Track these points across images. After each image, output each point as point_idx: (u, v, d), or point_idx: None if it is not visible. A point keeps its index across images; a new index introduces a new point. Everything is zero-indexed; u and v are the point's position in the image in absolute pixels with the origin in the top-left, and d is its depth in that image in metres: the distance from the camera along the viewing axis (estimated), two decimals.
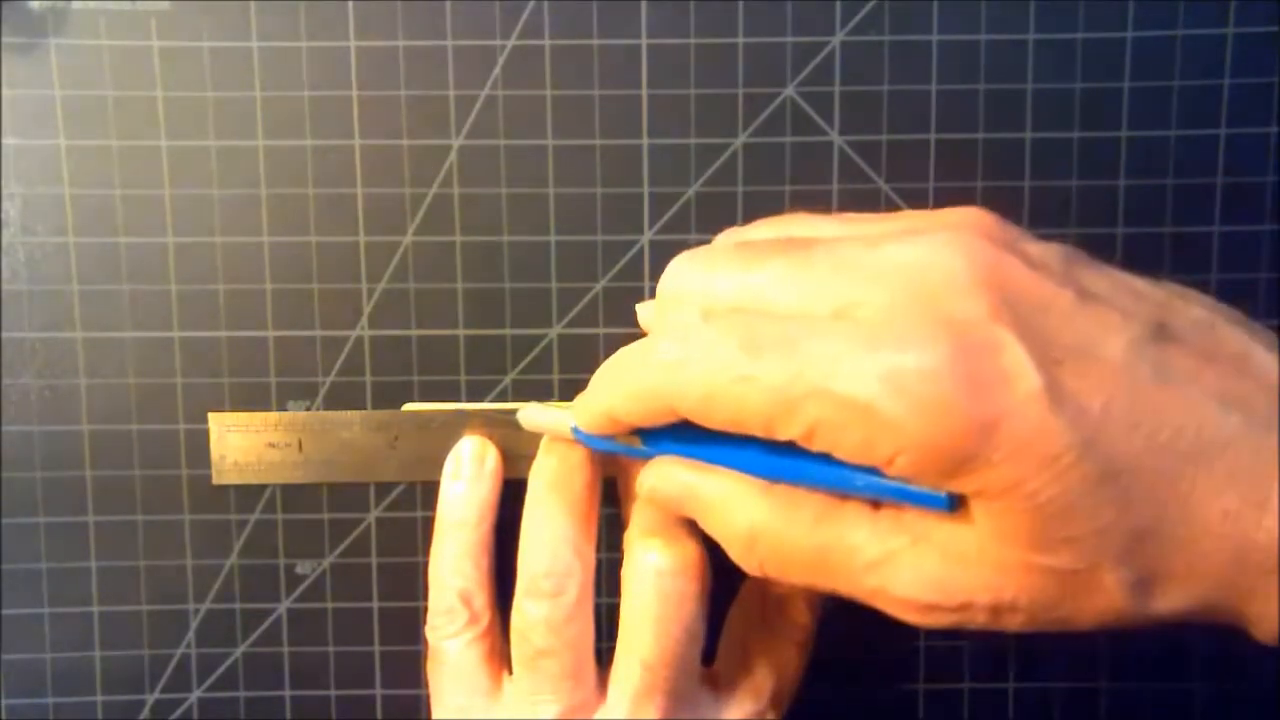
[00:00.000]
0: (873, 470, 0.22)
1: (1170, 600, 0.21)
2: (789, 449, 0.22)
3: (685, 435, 0.24)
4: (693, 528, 0.27)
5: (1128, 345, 0.21)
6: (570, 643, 0.26)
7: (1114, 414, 0.20)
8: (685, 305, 0.24)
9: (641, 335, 0.29)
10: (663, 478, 0.25)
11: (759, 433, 0.22)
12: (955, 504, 0.22)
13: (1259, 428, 0.21)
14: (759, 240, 0.25)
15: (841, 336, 0.21)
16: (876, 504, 0.23)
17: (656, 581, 0.26)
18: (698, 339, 0.23)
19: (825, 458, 0.22)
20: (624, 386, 0.24)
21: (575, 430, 0.26)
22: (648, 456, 0.25)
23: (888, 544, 0.22)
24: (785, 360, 0.21)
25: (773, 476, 0.24)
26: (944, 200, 0.29)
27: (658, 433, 0.25)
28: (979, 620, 0.22)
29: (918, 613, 0.22)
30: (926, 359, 0.20)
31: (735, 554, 0.24)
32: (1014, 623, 0.22)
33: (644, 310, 0.28)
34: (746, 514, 0.24)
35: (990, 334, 0.21)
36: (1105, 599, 0.21)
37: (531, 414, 0.28)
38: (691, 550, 0.26)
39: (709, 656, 0.28)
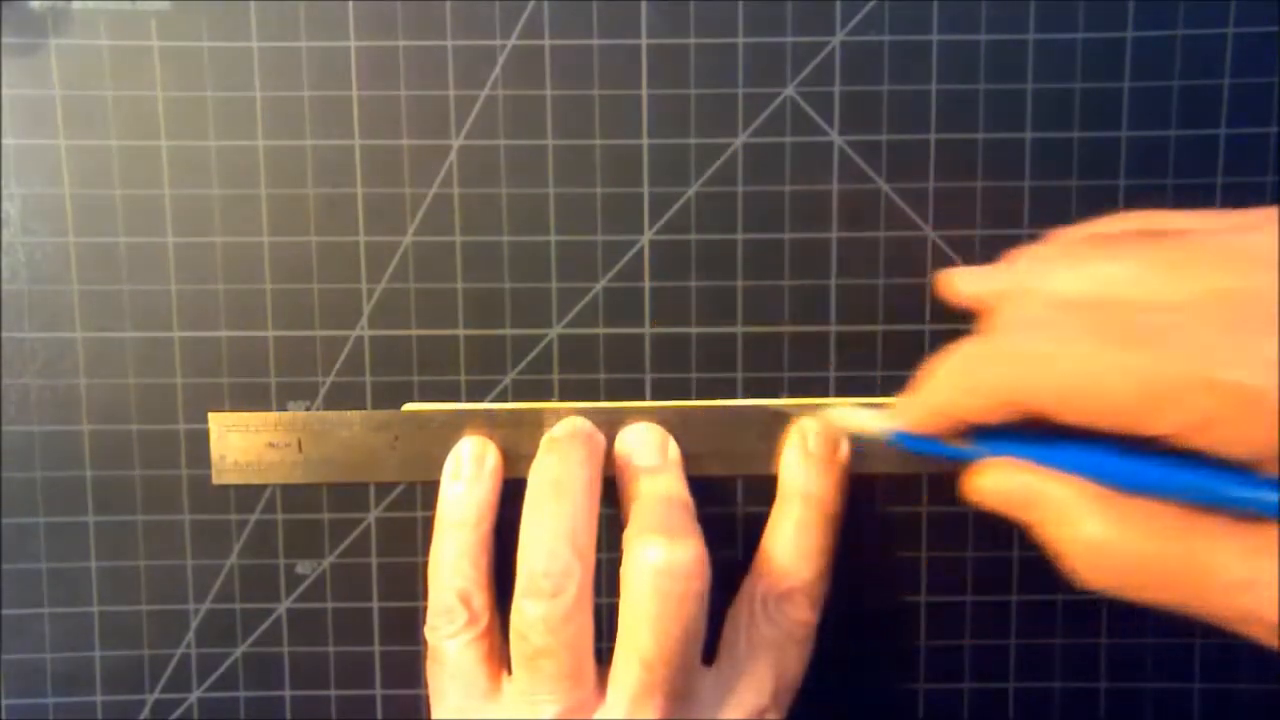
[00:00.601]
0: (1250, 478, 0.20)
1: None
2: (1141, 453, 0.21)
3: (1023, 436, 0.23)
4: (693, 526, 0.26)
5: None
6: (569, 642, 0.26)
7: None
8: (1036, 299, 0.23)
9: (656, 332, 0.29)
10: (1002, 479, 0.24)
11: (1125, 427, 0.21)
12: None
13: None
14: (1115, 231, 0.24)
15: (1225, 323, 0.20)
16: (1245, 517, 0.21)
17: (656, 581, 0.26)
18: (1063, 329, 0.22)
19: (1190, 462, 0.21)
20: (972, 381, 0.23)
21: (898, 434, 0.25)
22: (976, 459, 0.24)
23: (1259, 562, 0.20)
24: (1163, 349, 0.20)
25: (1128, 484, 0.22)
26: (944, 200, 0.29)
27: (991, 434, 0.23)
28: None
29: None
30: None
31: (1079, 565, 0.22)
32: None
33: (970, 278, 0.26)
34: (1096, 525, 0.22)
35: None
36: None
37: (848, 414, 0.27)
38: (691, 549, 0.26)
39: (709, 656, 0.28)
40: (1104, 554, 0.22)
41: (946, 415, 0.24)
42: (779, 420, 0.29)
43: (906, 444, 0.25)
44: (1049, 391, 0.22)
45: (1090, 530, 0.22)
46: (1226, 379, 0.19)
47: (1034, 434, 0.22)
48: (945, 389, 0.24)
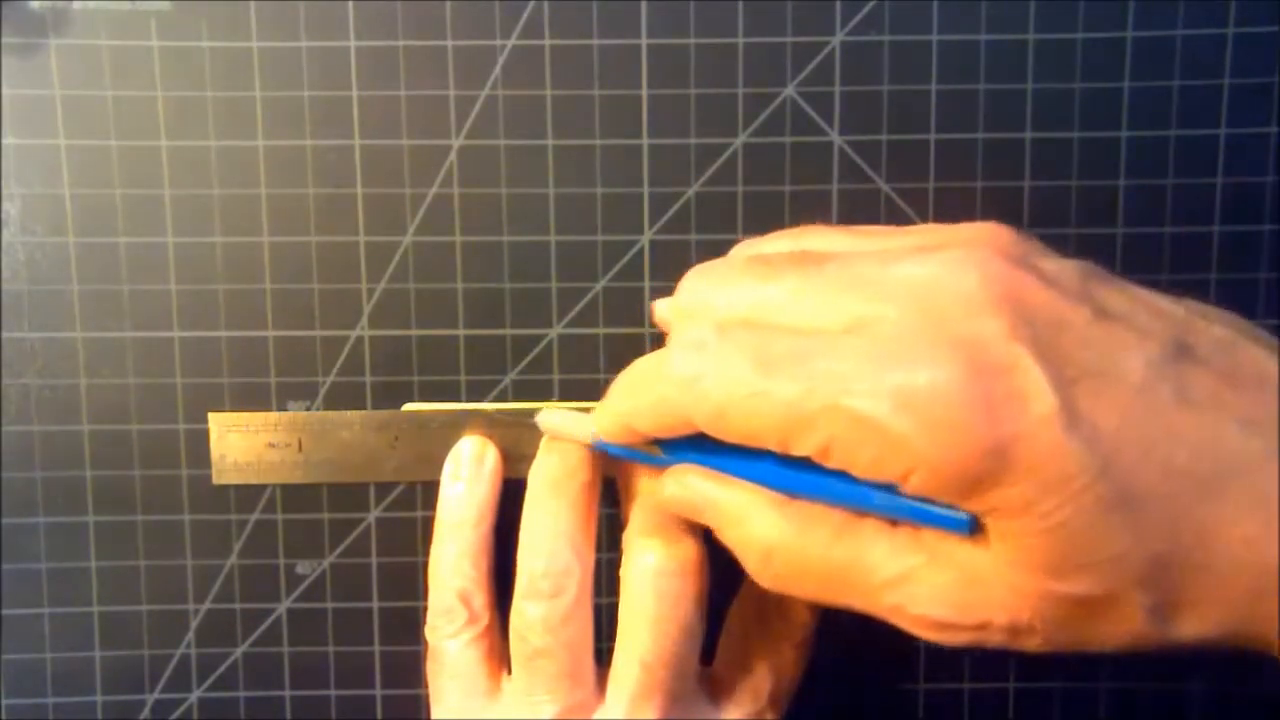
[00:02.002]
0: (891, 488, 0.22)
1: (1191, 626, 0.21)
2: (807, 463, 0.22)
3: (705, 445, 0.24)
4: (692, 528, 0.27)
5: (1146, 365, 0.21)
6: (568, 643, 0.26)
7: (1130, 436, 0.20)
8: (700, 318, 0.24)
9: (655, 333, 0.29)
10: (681, 486, 0.25)
11: (773, 447, 0.22)
12: (975, 526, 0.21)
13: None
14: (773, 254, 0.25)
15: (855, 353, 0.21)
16: (894, 522, 0.23)
17: (654, 582, 0.26)
18: (712, 353, 0.22)
19: (843, 474, 0.22)
20: (640, 398, 0.24)
21: (595, 439, 0.26)
22: (666, 465, 0.25)
23: (905, 562, 0.22)
24: (798, 376, 0.21)
25: (791, 490, 0.23)
26: (944, 200, 0.29)
27: (677, 442, 0.24)
28: (995, 640, 0.22)
29: (934, 630, 0.22)
30: (939, 378, 0.20)
31: (751, 567, 0.24)
32: (1031, 644, 0.22)
33: (662, 307, 0.27)
34: (763, 527, 0.23)
35: (1005, 353, 0.20)
36: (1125, 624, 0.21)
37: (550, 417, 0.28)
38: (689, 550, 0.26)
39: (708, 656, 0.28)
40: (774, 555, 0.23)
41: (628, 427, 0.25)
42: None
43: (607, 450, 0.26)
44: (702, 413, 0.23)
45: (761, 533, 0.23)
46: (851, 408, 0.21)
47: (714, 442, 0.23)
48: (621, 404, 0.25)
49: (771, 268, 0.24)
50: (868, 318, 0.22)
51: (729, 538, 0.24)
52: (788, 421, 0.21)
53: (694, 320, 0.24)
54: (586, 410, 0.27)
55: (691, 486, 0.25)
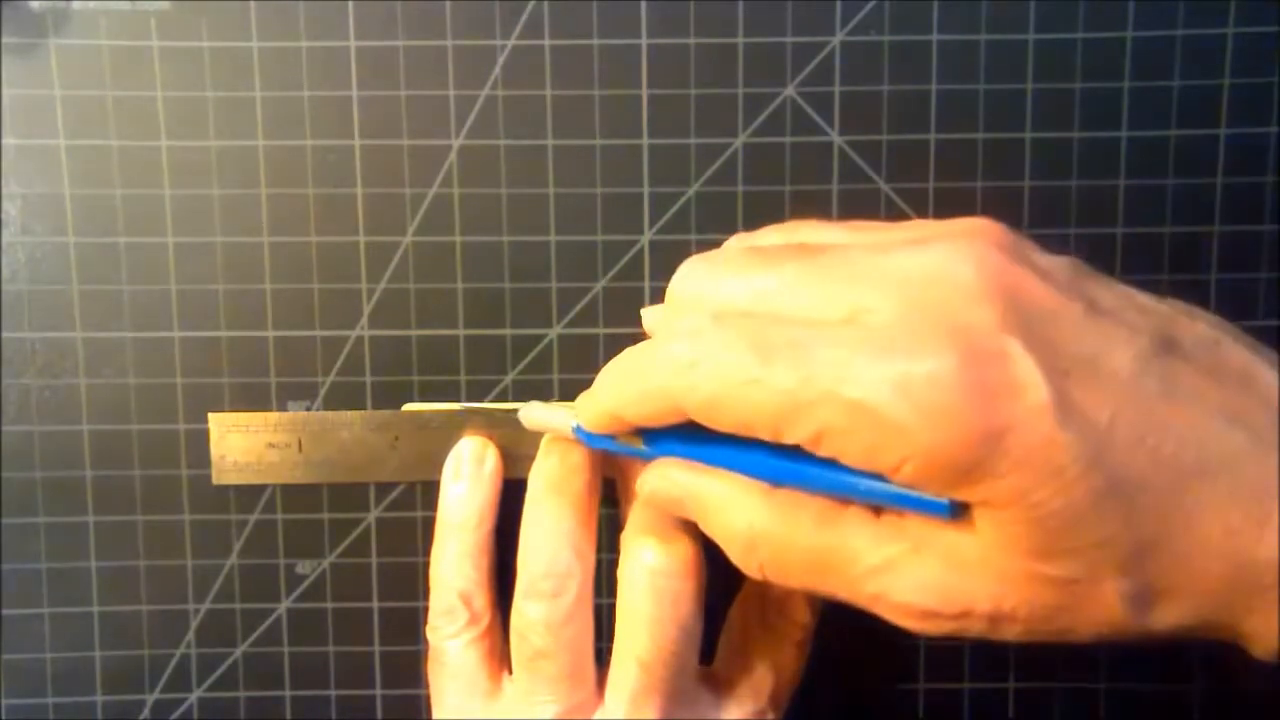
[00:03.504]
0: (876, 475, 0.22)
1: (1168, 614, 0.21)
2: (792, 452, 0.22)
3: (687, 436, 0.24)
4: (689, 527, 0.27)
5: (1135, 359, 0.21)
6: (569, 643, 0.26)
7: (1120, 427, 0.20)
8: (695, 308, 0.24)
9: (645, 338, 0.29)
10: (663, 479, 0.25)
11: (766, 436, 0.22)
12: (956, 510, 0.22)
13: (1262, 445, 0.21)
14: (770, 245, 0.25)
15: (852, 342, 0.21)
16: (878, 509, 0.23)
17: (652, 581, 0.26)
18: (709, 340, 0.22)
19: (829, 462, 0.22)
20: (631, 385, 0.24)
21: (577, 429, 0.26)
22: (648, 458, 0.25)
23: (888, 549, 0.22)
24: (795, 364, 0.21)
25: (775, 480, 0.24)
26: (944, 200, 0.29)
27: (660, 434, 0.24)
28: (976, 629, 0.22)
29: (917, 619, 0.22)
30: (936, 366, 0.20)
31: (735, 556, 0.24)
32: (1011, 632, 0.22)
33: (650, 314, 0.27)
34: (747, 516, 0.24)
35: (999, 343, 0.21)
36: (1104, 611, 0.21)
37: (532, 412, 0.28)
38: (687, 549, 0.26)
39: (708, 656, 0.28)
40: (758, 544, 0.24)
41: (615, 416, 0.25)
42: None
43: (589, 441, 0.26)
44: (696, 399, 0.22)
45: (744, 522, 0.24)
46: (847, 396, 0.21)
47: (697, 433, 0.23)
48: (609, 391, 0.25)
49: (768, 258, 0.24)
50: (864, 308, 0.22)
51: (712, 529, 0.24)
52: (782, 409, 0.21)
53: (688, 310, 0.24)
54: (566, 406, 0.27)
55: (674, 479, 0.25)
